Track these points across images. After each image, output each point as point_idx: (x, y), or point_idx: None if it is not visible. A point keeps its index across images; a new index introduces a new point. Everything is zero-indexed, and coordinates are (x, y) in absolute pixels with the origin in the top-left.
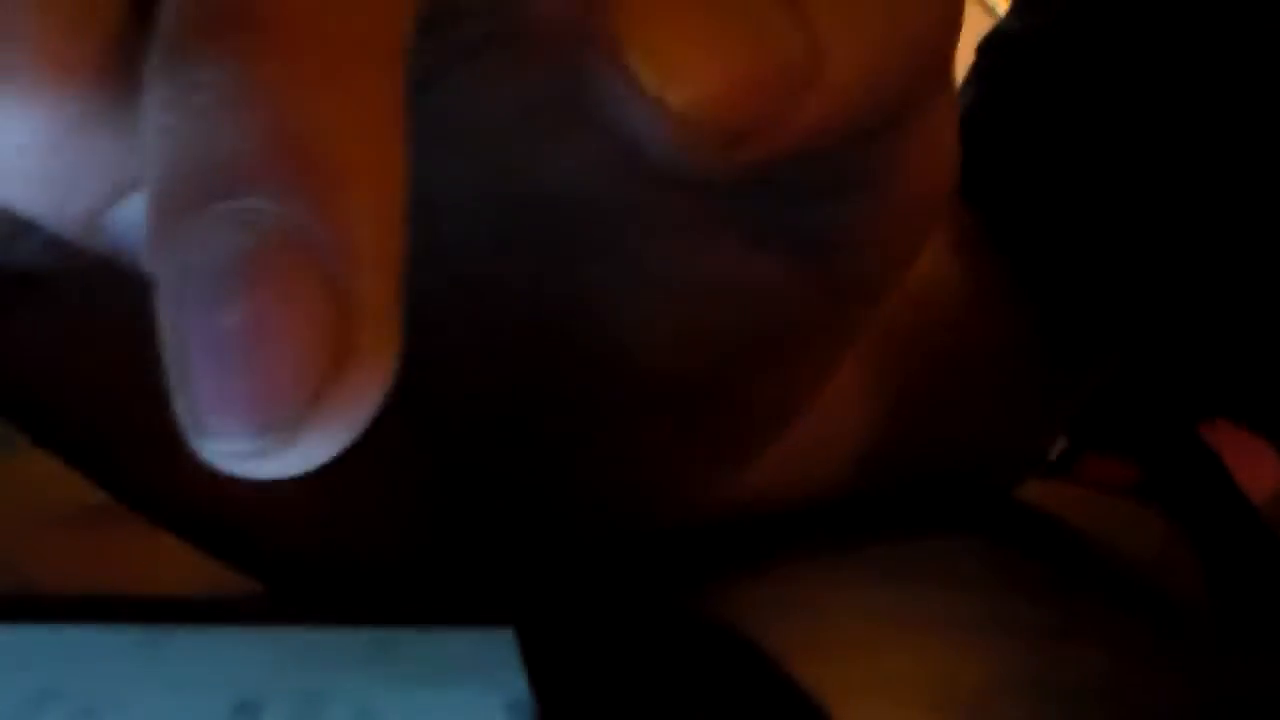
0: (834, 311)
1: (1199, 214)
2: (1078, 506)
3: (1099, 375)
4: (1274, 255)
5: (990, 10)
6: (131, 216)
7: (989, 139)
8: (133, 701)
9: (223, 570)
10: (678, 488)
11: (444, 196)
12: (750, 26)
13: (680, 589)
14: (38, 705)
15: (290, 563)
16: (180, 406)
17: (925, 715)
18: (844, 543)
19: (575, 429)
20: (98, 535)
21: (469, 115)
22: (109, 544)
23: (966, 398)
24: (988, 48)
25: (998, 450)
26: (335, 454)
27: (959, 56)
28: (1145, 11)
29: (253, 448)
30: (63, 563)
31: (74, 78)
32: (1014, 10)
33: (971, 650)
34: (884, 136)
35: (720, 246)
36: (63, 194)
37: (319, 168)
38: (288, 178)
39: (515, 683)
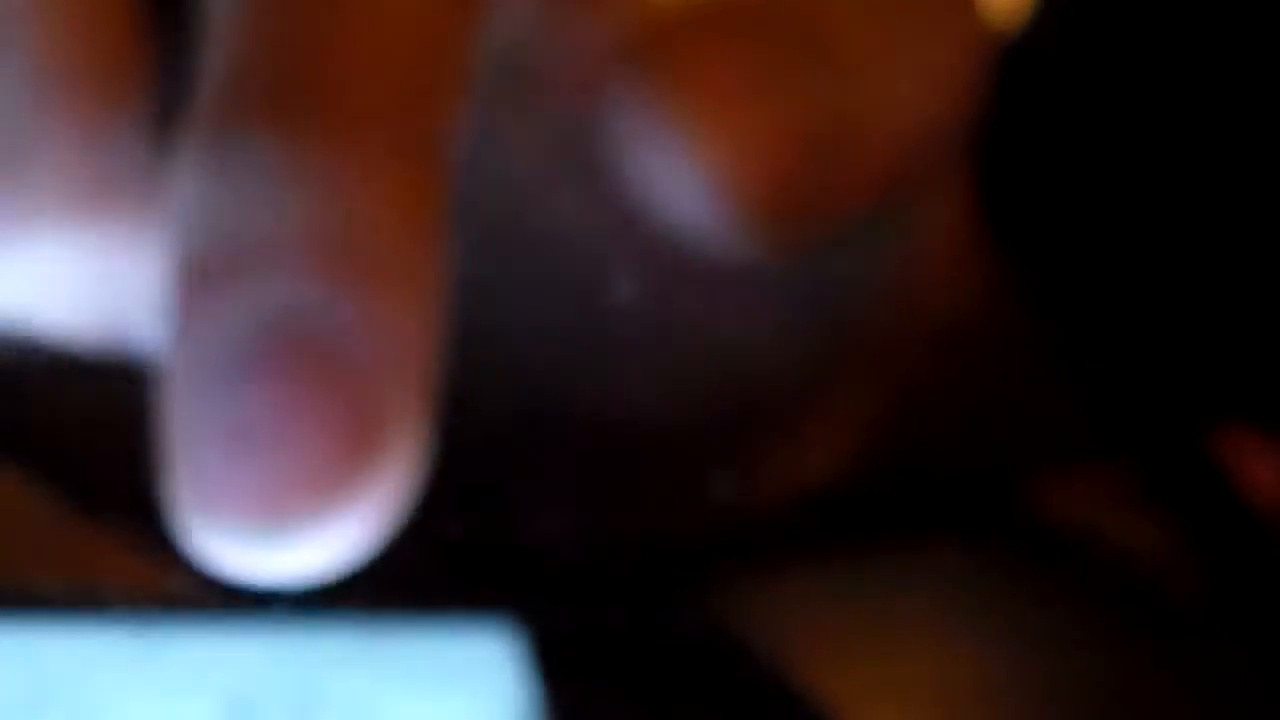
0: (841, 361)
1: (1204, 214)
2: (1078, 507)
3: (1102, 376)
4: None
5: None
6: (148, 334)
7: (989, 141)
8: (127, 703)
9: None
10: (671, 481)
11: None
12: (792, 91)
13: (682, 592)
14: (31, 707)
15: None
16: (178, 489)
17: (926, 717)
18: (845, 545)
19: (575, 462)
20: (93, 535)
21: (478, 156)
22: (104, 544)
23: (966, 397)
24: (1007, 52)
25: (998, 451)
26: (341, 564)
27: None
28: (1141, 17)
29: (252, 540)
30: (57, 563)
31: (93, 204)
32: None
33: (972, 652)
34: (901, 211)
35: (726, 299)
36: (87, 313)
37: (359, 260)
38: (325, 266)
39: (513, 684)
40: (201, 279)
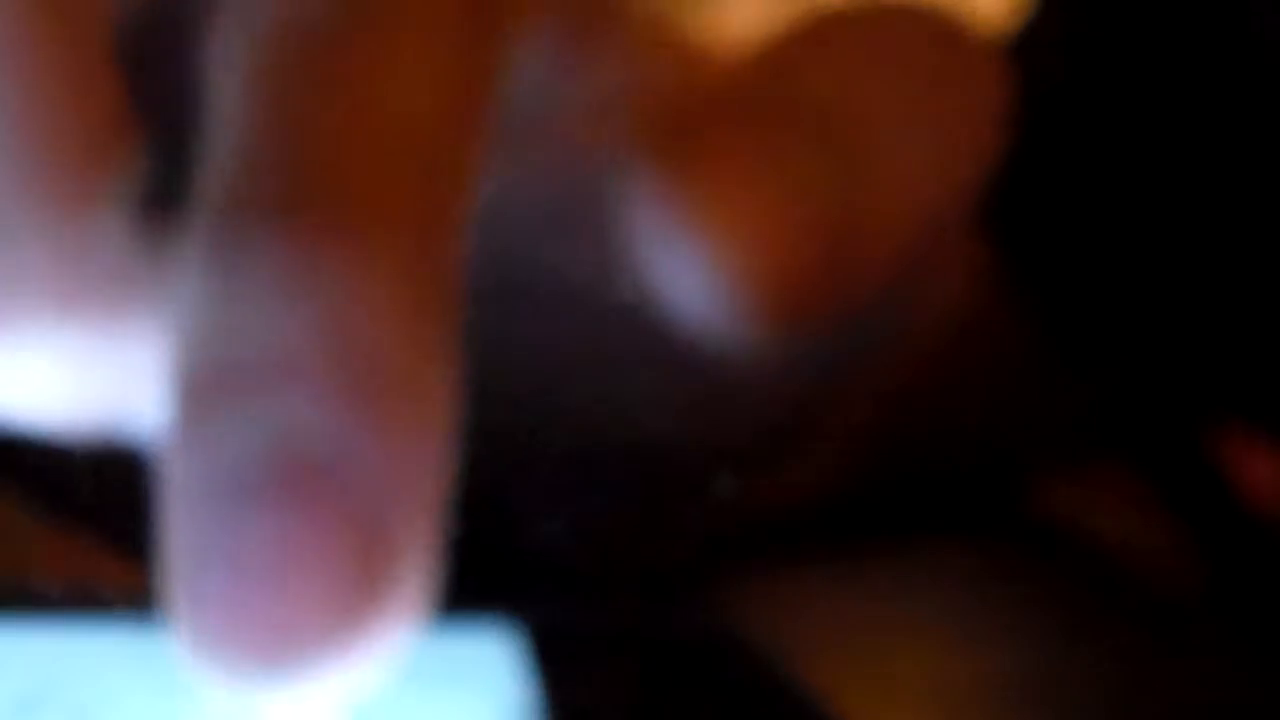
0: (835, 396)
1: (1203, 215)
2: (1078, 507)
3: (1102, 377)
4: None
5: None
6: (146, 418)
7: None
8: (127, 703)
9: None
10: (670, 482)
11: None
12: (808, 182)
13: (682, 592)
14: (31, 707)
15: None
16: (179, 614)
17: (926, 717)
18: (845, 544)
19: (575, 463)
20: (93, 535)
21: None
22: (104, 544)
23: (966, 397)
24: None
25: (998, 451)
26: (342, 693)
27: None
28: (1139, 16)
29: (254, 672)
30: (57, 561)
31: (80, 297)
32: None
33: (972, 651)
34: (910, 291)
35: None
36: (80, 404)
37: (369, 380)
38: (333, 386)
39: (513, 684)
40: (203, 394)
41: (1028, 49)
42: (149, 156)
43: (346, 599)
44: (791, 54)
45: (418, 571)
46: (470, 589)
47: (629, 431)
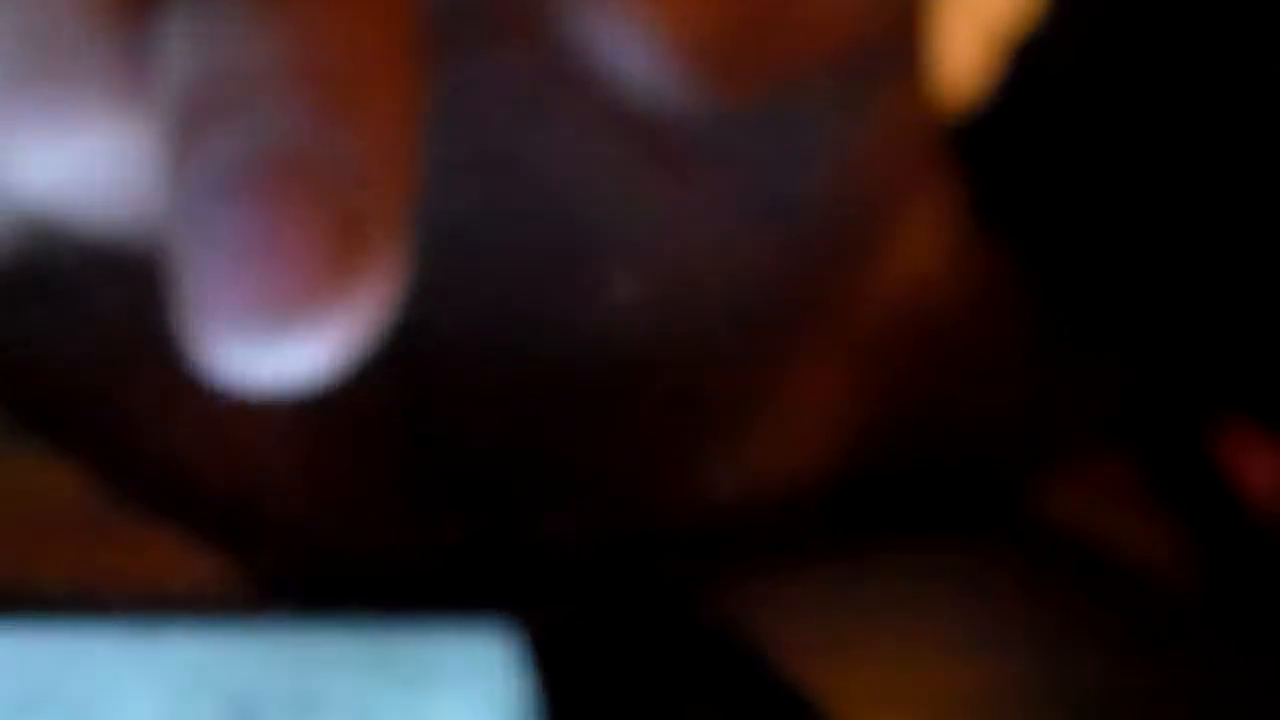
0: (806, 280)
1: (1204, 212)
2: (1079, 507)
3: (1101, 376)
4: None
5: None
6: None
7: (1003, 142)
8: (127, 703)
9: (217, 571)
10: (669, 481)
11: (429, 174)
12: None
13: (680, 590)
14: (31, 707)
15: (277, 558)
16: (190, 308)
17: (927, 717)
18: (845, 544)
19: (561, 414)
20: (95, 535)
21: (451, 94)
22: (105, 544)
23: (964, 396)
24: (1017, 53)
25: (996, 450)
26: (338, 362)
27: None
28: (1163, 19)
29: (254, 342)
30: (59, 562)
31: (130, 92)
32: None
33: (970, 652)
34: (853, 97)
35: (697, 216)
36: (122, 200)
37: (337, 87)
38: (304, 94)
39: (513, 684)
40: (190, 118)
41: (1035, 48)
42: None
43: (326, 266)
44: None
45: (391, 248)
46: (470, 589)
47: (629, 415)
